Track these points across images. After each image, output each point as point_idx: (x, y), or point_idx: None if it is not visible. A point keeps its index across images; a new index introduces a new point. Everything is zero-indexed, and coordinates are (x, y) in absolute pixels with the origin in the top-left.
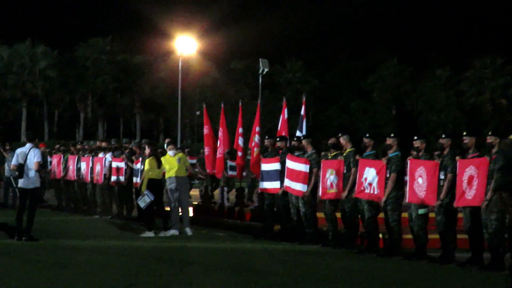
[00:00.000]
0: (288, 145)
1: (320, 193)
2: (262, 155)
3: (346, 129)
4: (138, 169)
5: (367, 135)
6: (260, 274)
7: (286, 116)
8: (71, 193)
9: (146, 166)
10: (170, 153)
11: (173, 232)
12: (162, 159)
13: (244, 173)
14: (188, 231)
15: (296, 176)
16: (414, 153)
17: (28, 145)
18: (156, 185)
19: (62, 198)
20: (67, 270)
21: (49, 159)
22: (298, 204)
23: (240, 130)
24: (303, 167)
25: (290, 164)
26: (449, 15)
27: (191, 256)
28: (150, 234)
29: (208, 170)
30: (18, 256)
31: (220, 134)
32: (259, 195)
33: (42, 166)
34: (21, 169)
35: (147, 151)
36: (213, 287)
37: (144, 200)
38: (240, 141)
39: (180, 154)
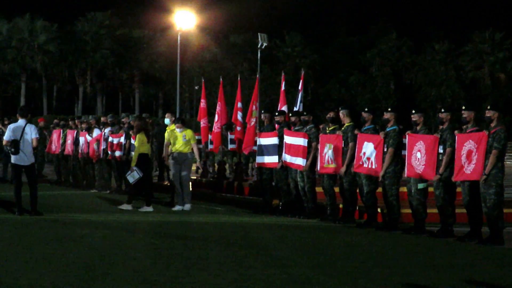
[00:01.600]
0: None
1: (318, 167)
2: (259, 130)
3: (346, 104)
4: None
5: (366, 109)
6: (259, 248)
7: (283, 88)
8: (70, 167)
9: (136, 142)
10: (177, 130)
11: (178, 208)
12: (168, 133)
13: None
14: (187, 207)
15: (295, 150)
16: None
17: (22, 121)
18: (146, 159)
19: (61, 173)
20: (66, 244)
21: (45, 133)
22: (297, 178)
23: (239, 104)
24: (301, 141)
25: (288, 139)
26: None
27: (190, 230)
28: (128, 207)
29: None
30: (17, 230)
31: (218, 108)
32: (257, 169)
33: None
34: (16, 145)
35: (136, 125)
36: (212, 261)
37: (133, 176)
38: (239, 115)
39: (187, 131)
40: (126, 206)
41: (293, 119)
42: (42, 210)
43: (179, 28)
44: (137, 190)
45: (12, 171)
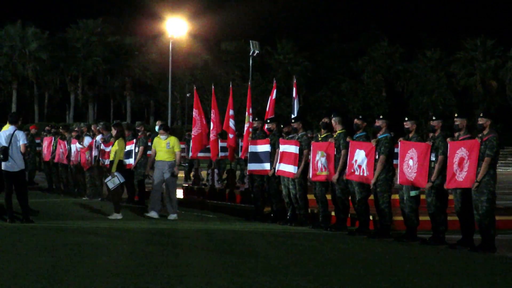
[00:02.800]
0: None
1: (310, 174)
2: (251, 137)
3: (338, 111)
4: (131, 150)
5: (360, 116)
6: (251, 255)
7: (274, 97)
8: (61, 175)
9: (116, 147)
10: (161, 137)
11: (152, 214)
12: (155, 140)
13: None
14: (172, 216)
15: (287, 158)
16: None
17: (12, 128)
18: (124, 166)
19: (53, 180)
20: (59, 251)
21: (37, 141)
22: (289, 185)
23: (231, 112)
24: (293, 149)
25: (282, 147)
26: None
27: (182, 238)
28: (119, 216)
29: (192, 153)
30: (9, 238)
31: (212, 116)
32: (248, 177)
33: (32, 149)
34: (5, 151)
35: (114, 132)
36: (204, 269)
37: (114, 181)
38: (231, 123)
39: (171, 138)
40: (115, 216)
41: (285, 129)
42: (34, 218)
43: (171, 35)
44: (129, 197)
45: (4, 178)
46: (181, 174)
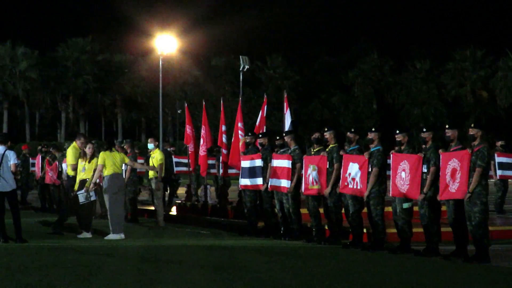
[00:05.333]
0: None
1: (302, 188)
2: (243, 153)
3: (331, 124)
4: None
5: (352, 129)
6: (245, 271)
7: (265, 113)
8: (54, 194)
9: (92, 166)
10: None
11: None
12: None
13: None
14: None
15: (280, 173)
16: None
17: (2, 148)
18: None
19: (45, 200)
20: (52, 271)
21: (31, 160)
22: (283, 200)
23: (223, 127)
24: (286, 163)
25: (275, 162)
26: (428, 7)
27: (175, 254)
28: (88, 235)
29: (190, 168)
30: (2, 257)
31: (202, 132)
32: (239, 192)
33: (24, 168)
34: None
35: (91, 151)
36: (199, 285)
37: (85, 196)
38: (224, 138)
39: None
40: (85, 235)
41: (278, 142)
42: (27, 237)
43: (161, 52)
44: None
45: None
46: (182, 190)
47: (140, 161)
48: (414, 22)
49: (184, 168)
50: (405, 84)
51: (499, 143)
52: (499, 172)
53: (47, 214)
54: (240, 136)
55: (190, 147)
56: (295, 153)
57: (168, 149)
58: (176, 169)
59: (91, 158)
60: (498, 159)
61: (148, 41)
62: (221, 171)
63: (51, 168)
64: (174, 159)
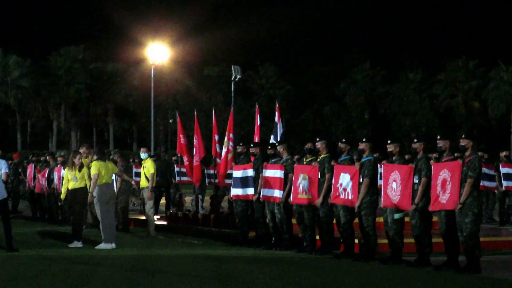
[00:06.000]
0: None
1: (291, 197)
2: (235, 162)
3: (323, 134)
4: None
5: (343, 140)
6: (236, 281)
7: (259, 122)
8: (44, 204)
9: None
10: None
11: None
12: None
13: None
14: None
15: (272, 183)
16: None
17: None
18: (80, 193)
19: (37, 209)
20: (43, 280)
21: (20, 170)
22: (275, 210)
23: (216, 137)
24: (278, 173)
25: (267, 172)
26: (420, 17)
27: (167, 264)
28: (79, 244)
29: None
30: None
31: (195, 142)
32: (229, 202)
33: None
34: None
35: (79, 161)
36: None
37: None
38: (218, 148)
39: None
40: (76, 244)
41: (270, 151)
42: (18, 246)
43: (153, 61)
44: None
45: None
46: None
47: (138, 170)
48: (406, 33)
49: (187, 178)
50: (397, 94)
51: (502, 154)
52: (504, 183)
53: (38, 223)
54: (230, 147)
55: (186, 159)
56: (288, 163)
57: (173, 157)
58: (178, 178)
59: (80, 168)
60: (503, 169)
61: (140, 50)
62: (207, 180)
63: (42, 175)
64: (176, 168)
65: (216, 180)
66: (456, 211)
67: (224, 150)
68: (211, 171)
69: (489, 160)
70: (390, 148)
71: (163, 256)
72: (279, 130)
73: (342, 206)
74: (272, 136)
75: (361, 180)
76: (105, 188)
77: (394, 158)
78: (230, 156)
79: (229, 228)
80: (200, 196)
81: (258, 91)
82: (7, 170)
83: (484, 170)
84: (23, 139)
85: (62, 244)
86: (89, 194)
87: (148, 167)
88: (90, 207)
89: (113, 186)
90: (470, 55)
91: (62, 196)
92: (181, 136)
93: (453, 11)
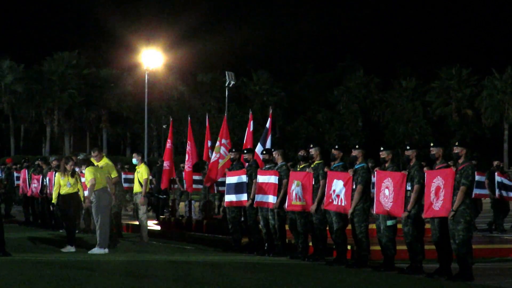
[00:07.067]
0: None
1: (286, 204)
2: (228, 169)
3: (316, 141)
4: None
5: (336, 146)
6: (228, 287)
7: (251, 128)
8: (38, 208)
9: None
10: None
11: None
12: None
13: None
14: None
15: (266, 188)
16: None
17: None
18: (70, 198)
19: (29, 214)
20: (36, 285)
21: (15, 174)
22: (268, 216)
23: (209, 143)
24: (272, 179)
25: (260, 178)
26: (414, 26)
27: (159, 270)
28: (72, 249)
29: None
30: None
31: (188, 147)
32: (223, 208)
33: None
34: None
35: (71, 167)
36: None
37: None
38: (210, 154)
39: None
40: (69, 249)
41: (264, 157)
42: (10, 251)
43: (146, 67)
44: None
45: None
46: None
47: (129, 176)
48: (400, 41)
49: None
50: (391, 102)
51: (495, 163)
52: (497, 192)
53: (31, 228)
54: (223, 153)
55: (166, 164)
56: (282, 169)
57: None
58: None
59: (73, 173)
60: (498, 178)
61: (134, 56)
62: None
63: (37, 179)
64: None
65: (200, 186)
66: (448, 218)
67: (215, 155)
68: (198, 177)
69: (480, 168)
70: (383, 155)
71: (156, 262)
72: (269, 138)
73: (335, 212)
74: (259, 143)
75: (354, 186)
76: (102, 193)
77: (386, 165)
78: (222, 162)
79: (222, 234)
80: (193, 202)
81: (252, 98)
82: (0, 175)
83: (504, 180)
84: (17, 144)
85: (55, 249)
86: (86, 200)
87: (141, 172)
88: (83, 213)
89: (110, 191)
90: (463, 63)
91: (54, 200)
92: (168, 141)
93: (446, 20)
